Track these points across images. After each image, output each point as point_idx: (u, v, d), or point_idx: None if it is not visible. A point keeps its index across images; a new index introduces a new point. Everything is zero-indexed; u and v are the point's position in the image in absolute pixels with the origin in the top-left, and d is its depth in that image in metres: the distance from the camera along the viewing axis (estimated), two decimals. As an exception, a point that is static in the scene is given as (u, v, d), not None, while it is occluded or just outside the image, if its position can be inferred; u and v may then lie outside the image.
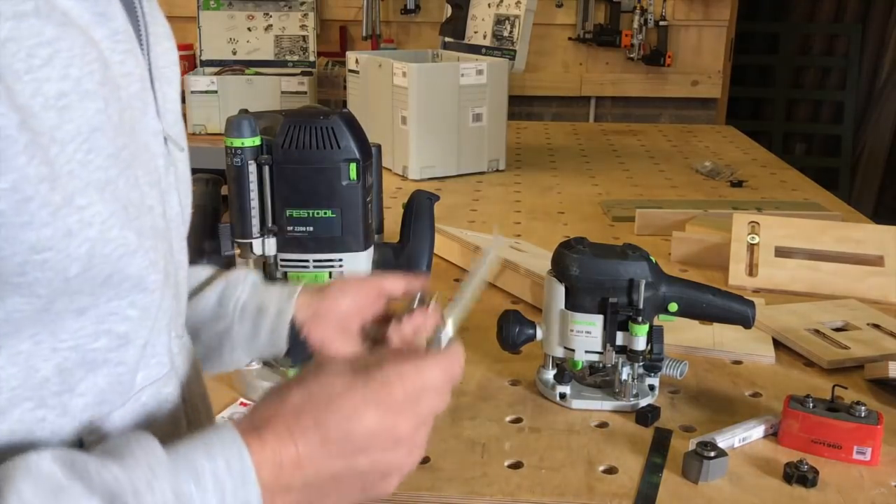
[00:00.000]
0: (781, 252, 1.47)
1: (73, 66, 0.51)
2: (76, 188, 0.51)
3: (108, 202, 0.54)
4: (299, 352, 0.81)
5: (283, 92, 2.66)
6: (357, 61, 2.36)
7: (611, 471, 0.91)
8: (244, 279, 0.84)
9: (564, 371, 1.05)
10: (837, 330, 1.25)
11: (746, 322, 1.03)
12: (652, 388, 1.05)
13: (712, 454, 0.88)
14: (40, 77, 0.49)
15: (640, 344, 0.99)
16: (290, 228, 1.01)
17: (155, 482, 0.50)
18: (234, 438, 0.53)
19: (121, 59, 0.58)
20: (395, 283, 0.83)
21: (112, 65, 0.57)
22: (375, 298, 0.83)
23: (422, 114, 2.17)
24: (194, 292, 0.82)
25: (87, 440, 0.57)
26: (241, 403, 1.05)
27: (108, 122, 0.54)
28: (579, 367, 1.06)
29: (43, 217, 0.49)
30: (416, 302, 0.79)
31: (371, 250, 1.04)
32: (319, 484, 0.56)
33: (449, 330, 0.72)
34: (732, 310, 1.03)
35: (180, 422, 0.66)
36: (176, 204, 0.66)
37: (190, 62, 2.92)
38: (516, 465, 0.92)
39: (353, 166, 0.99)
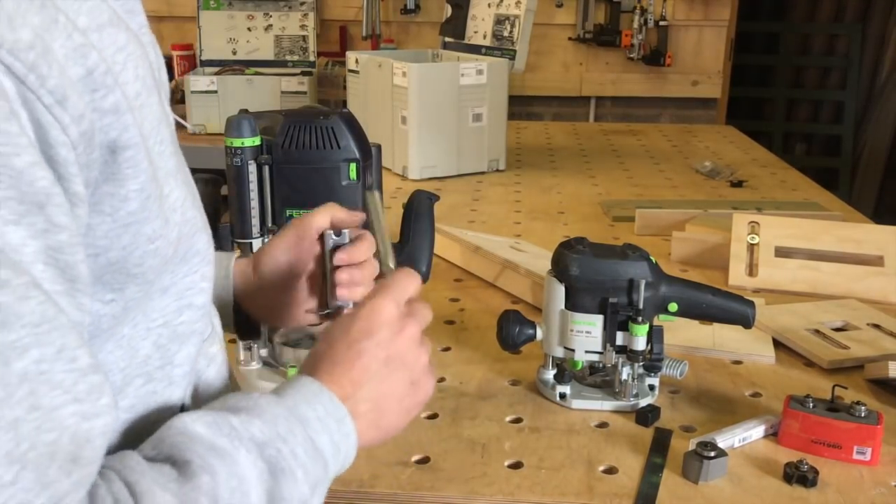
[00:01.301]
0: (781, 252, 1.47)
1: (140, 66, 0.54)
2: (162, 178, 0.55)
3: (181, 186, 0.58)
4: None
5: (283, 92, 2.66)
6: (357, 61, 2.36)
7: (611, 471, 0.91)
8: None
9: (564, 371, 1.05)
10: (837, 330, 1.25)
11: (746, 322, 1.03)
12: (652, 388, 1.05)
13: (712, 454, 0.88)
14: (121, 81, 0.52)
15: (640, 344, 0.99)
16: (289, 228, 1.01)
17: (295, 428, 0.58)
18: (320, 388, 0.62)
19: (149, 50, 0.60)
20: (323, 219, 0.84)
21: (149, 57, 0.59)
22: (309, 240, 0.84)
23: (422, 114, 2.17)
24: None
25: (187, 405, 0.63)
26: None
27: (163, 111, 0.57)
28: (579, 367, 1.06)
29: (154, 210, 0.53)
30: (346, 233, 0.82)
31: (371, 250, 1.04)
32: (376, 388, 0.65)
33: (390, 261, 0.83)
34: (732, 310, 1.03)
35: (226, 378, 0.72)
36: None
37: (190, 62, 2.92)
38: (516, 465, 0.92)
39: (352, 166, 0.99)
